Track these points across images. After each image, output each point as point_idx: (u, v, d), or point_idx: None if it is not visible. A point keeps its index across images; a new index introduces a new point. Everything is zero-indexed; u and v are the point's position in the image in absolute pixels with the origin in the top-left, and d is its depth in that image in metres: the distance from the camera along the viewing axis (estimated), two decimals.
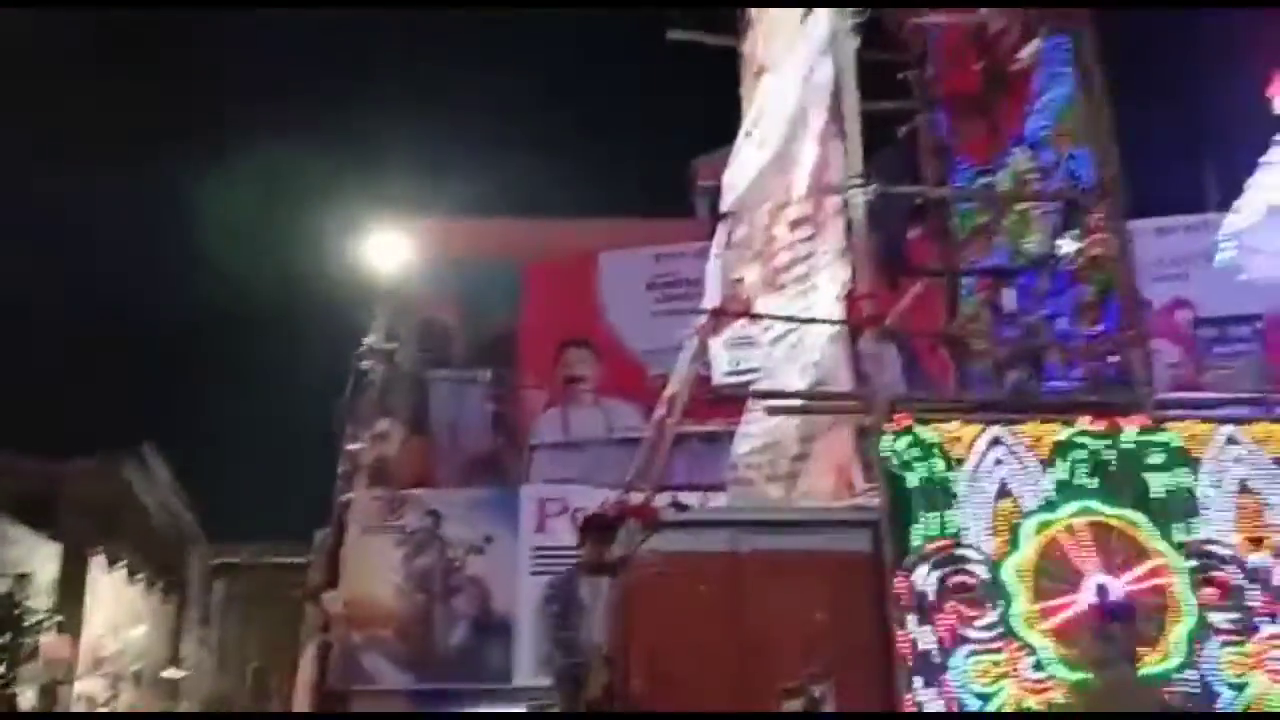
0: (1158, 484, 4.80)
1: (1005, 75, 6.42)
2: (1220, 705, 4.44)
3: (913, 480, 4.68)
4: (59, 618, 24.48)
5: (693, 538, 4.73)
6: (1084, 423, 4.89)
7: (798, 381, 5.86)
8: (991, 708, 4.33)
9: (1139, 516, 4.71)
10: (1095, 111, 5.69)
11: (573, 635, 5.26)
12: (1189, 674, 4.45)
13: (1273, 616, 4.61)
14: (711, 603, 4.55)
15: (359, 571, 10.96)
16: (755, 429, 6.32)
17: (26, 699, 22.42)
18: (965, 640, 4.43)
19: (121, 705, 28.89)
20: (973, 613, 4.46)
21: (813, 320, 5.81)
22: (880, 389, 5.09)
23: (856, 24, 5.93)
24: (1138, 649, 4.24)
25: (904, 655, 4.38)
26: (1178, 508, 4.77)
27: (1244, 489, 4.83)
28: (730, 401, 6.91)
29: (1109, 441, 4.85)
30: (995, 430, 4.81)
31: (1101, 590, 4.38)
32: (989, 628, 4.45)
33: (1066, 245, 5.70)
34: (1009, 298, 6.34)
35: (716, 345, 6.68)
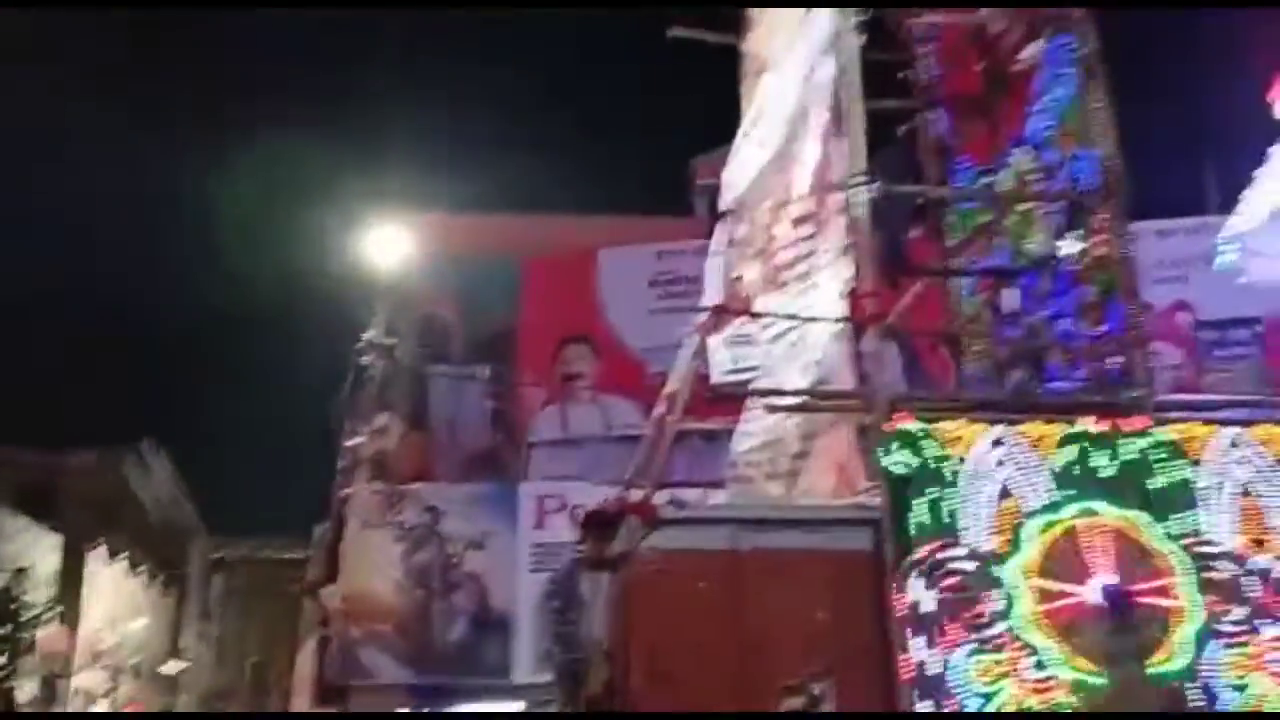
0: (1159, 485, 4.81)
1: (1006, 75, 6.42)
2: (1221, 707, 4.45)
3: (913, 479, 4.68)
4: (58, 610, 24.49)
5: (693, 535, 4.74)
6: (1086, 423, 4.90)
7: (798, 380, 5.87)
8: (992, 707, 4.34)
9: (1142, 517, 4.72)
10: (1097, 112, 5.70)
11: (573, 631, 5.28)
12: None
13: (1274, 618, 4.62)
14: (711, 600, 4.56)
15: (358, 566, 10.97)
16: (756, 427, 6.33)
17: (25, 692, 22.44)
18: (966, 640, 4.44)
19: (120, 699, 28.93)
20: (973, 612, 4.47)
21: (814, 319, 5.81)
22: (881, 388, 5.09)
23: (859, 23, 5.93)
24: (1146, 645, 4.24)
25: (905, 652, 4.39)
26: (1179, 509, 4.79)
27: (1246, 491, 4.85)
28: (730, 399, 6.92)
29: (1111, 442, 4.86)
30: (997, 430, 4.82)
31: (1105, 591, 4.38)
32: (989, 627, 4.46)
33: (1069, 246, 5.71)
34: (1011, 298, 6.35)
35: (716, 343, 6.69)
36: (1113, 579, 4.50)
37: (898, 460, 4.71)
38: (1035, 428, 4.86)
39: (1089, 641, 4.36)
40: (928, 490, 4.68)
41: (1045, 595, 4.52)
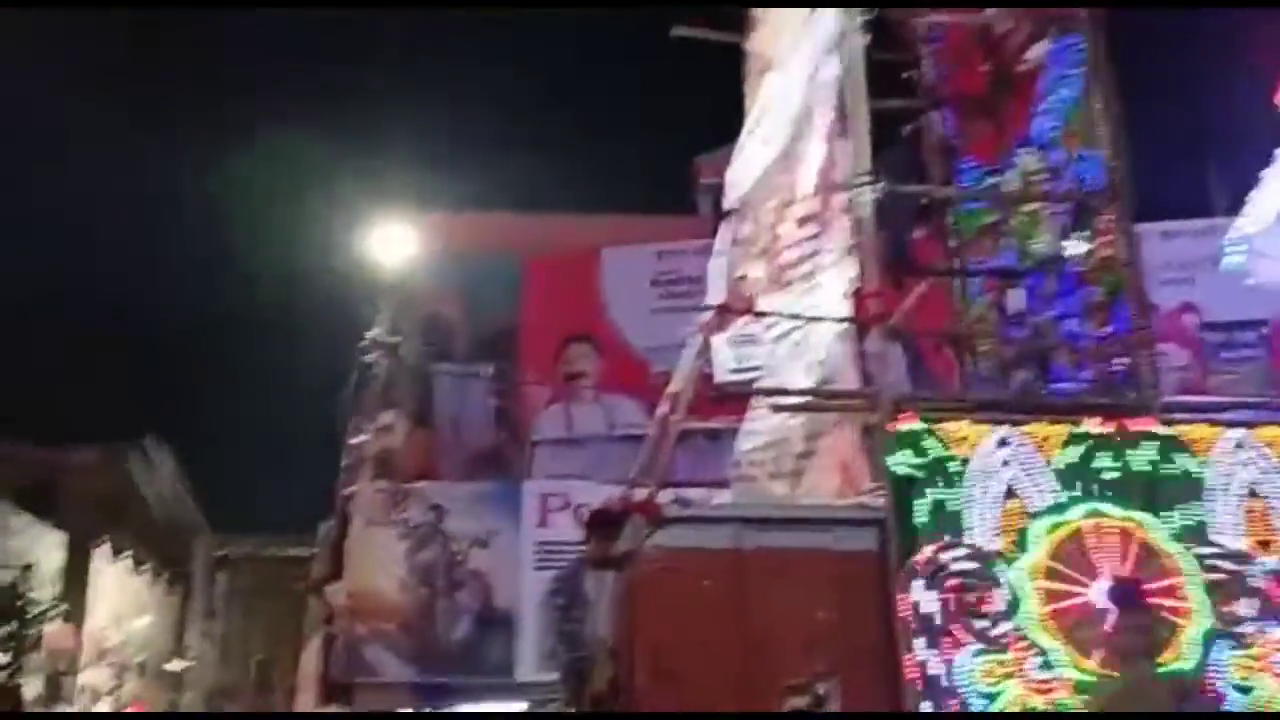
0: (1165, 486, 4.81)
1: (1012, 76, 6.42)
2: (1226, 708, 4.45)
3: (918, 479, 4.69)
4: (63, 608, 24.55)
5: (697, 534, 4.75)
6: (1092, 424, 4.90)
7: (802, 379, 5.87)
8: (996, 708, 4.34)
9: (1149, 518, 4.72)
10: (1102, 113, 5.69)
11: (577, 629, 5.29)
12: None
13: None
14: (716, 599, 4.56)
15: (363, 564, 11.01)
16: (760, 426, 6.33)
17: (31, 690, 22.49)
18: (971, 640, 4.44)
19: (125, 697, 29.00)
20: (978, 612, 4.48)
21: (818, 318, 5.82)
22: (886, 388, 5.10)
23: (864, 22, 5.93)
24: (1156, 641, 4.24)
25: (910, 652, 4.40)
26: (1185, 510, 4.79)
27: (1252, 492, 4.85)
28: (734, 399, 6.92)
29: (1117, 443, 4.86)
30: (1002, 430, 4.81)
31: (1114, 585, 4.37)
32: (994, 627, 4.47)
33: (1074, 247, 5.71)
34: (1016, 298, 6.35)
35: (720, 342, 6.70)
36: (1121, 576, 4.48)
37: (902, 460, 4.72)
38: (1041, 428, 4.86)
39: (1097, 641, 4.35)
40: (932, 490, 4.68)
41: (1052, 596, 4.52)
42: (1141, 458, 4.86)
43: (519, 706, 10.83)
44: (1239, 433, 4.95)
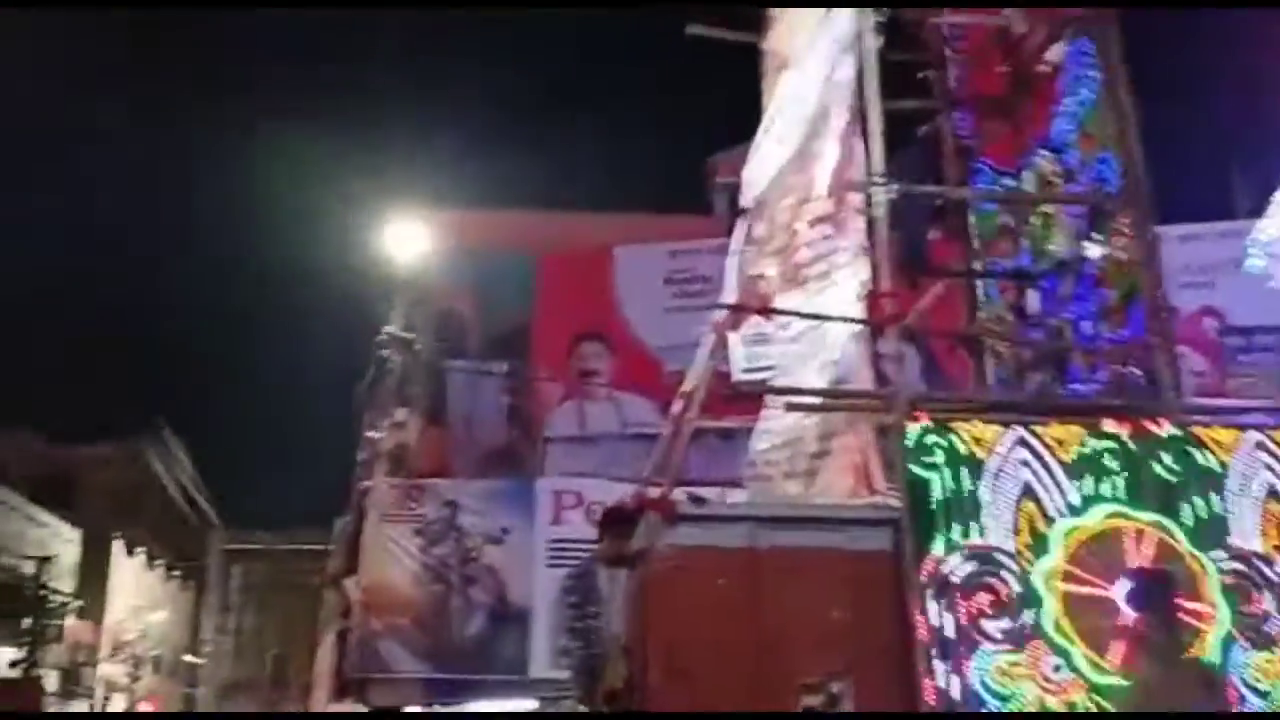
0: (1183, 489, 4.79)
1: (1030, 77, 6.40)
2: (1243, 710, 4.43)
3: (934, 480, 4.68)
4: (80, 603, 24.77)
5: (711, 532, 4.76)
6: (1109, 426, 4.89)
7: (816, 379, 5.88)
8: (1011, 708, 4.34)
9: (1168, 520, 4.71)
10: (1121, 115, 5.67)
11: (590, 626, 5.32)
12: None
13: None
14: (729, 598, 4.57)
15: (377, 559, 11.07)
16: (774, 426, 6.34)
17: (50, 682, 22.70)
18: (985, 640, 4.44)
19: (141, 690, 29.23)
20: (994, 613, 4.48)
21: (833, 318, 5.82)
22: (901, 388, 5.10)
23: (879, 22, 5.92)
24: (1182, 634, 4.23)
25: (924, 651, 4.40)
26: (1204, 513, 4.76)
27: (1272, 495, 4.83)
28: (747, 398, 6.93)
29: (1135, 445, 4.84)
30: (1018, 431, 4.81)
31: (1137, 581, 4.36)
32: (1011, 628, 4.46)
33: (1091, 249, 5.69)
34: (1032, 300, 6.34)
35: (734, 341, 6.71)
36: (1147, 567, 4.46)
37: (917, 460, 4.72)
38: (1057, 429, 4.85)
39: (1120, 638, 4.33)
40: (947, 491, 4.68)
41: (1073, 599, 4.51)
42: (1159, 460, 4.84)
43: (531, 703, 10.87)
44: (1259, 435, 4.93)
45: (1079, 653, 4.41)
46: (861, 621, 4.53)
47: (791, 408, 5.89)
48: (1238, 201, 12.40)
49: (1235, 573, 4.66)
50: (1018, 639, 4.45)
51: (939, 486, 4.67)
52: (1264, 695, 4.47)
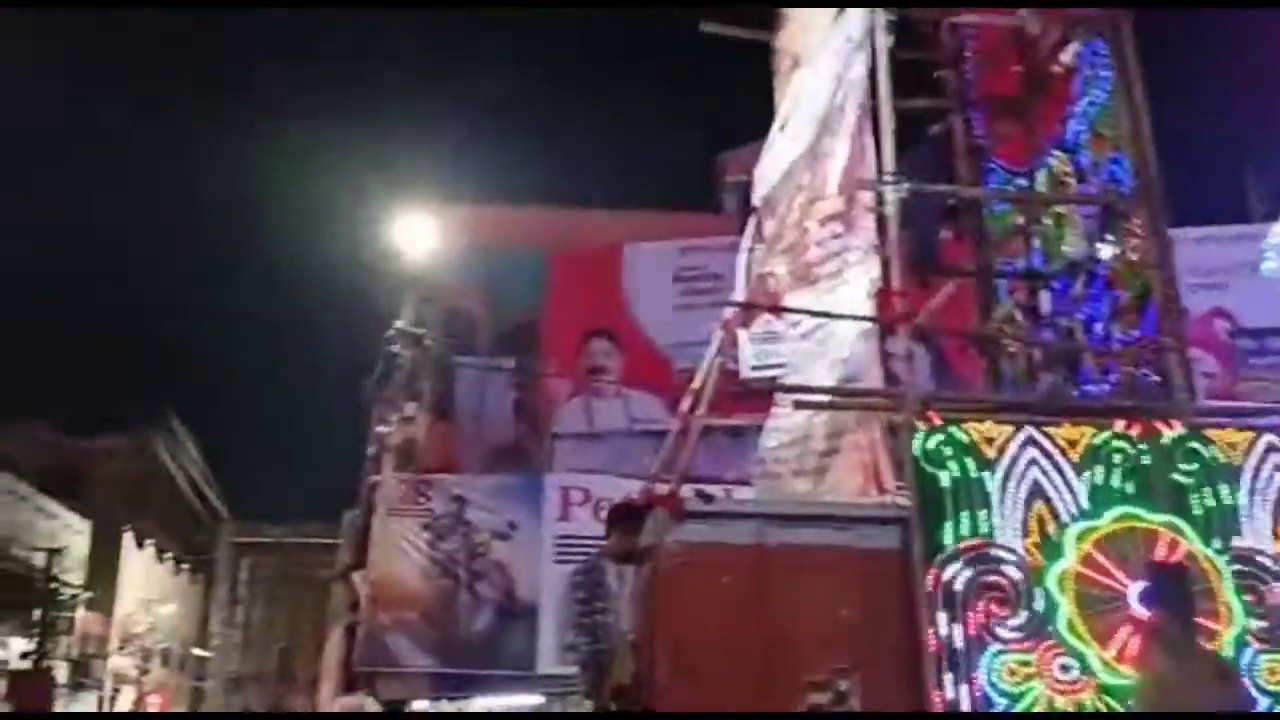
0: (1196, 490, 4.77)
1: (1044, 78, 6.38)
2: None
3: (943, 479, 4.67)
4: (90, 594, 24.89)
5: (719, 529, 4.76)
6: (1119, 427, 4.88)
7: (826, 377, 5.88)
8: (1020, 708, 4.34)
9: (1181, 522, 4.69)
10: (1134, 115, 5.65)
11: (597, 623, 5.33)
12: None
13: None
14: (737, 595, 4.58)
15: (385, 553, 11.12)
16: (783, 423, 6.34)
17: (60, 674, 22.82)
18: (995, 639, 4.44)
19: (150, 683, 29.37)
20: (1003, 612, 4.47)
21: (843, 316, 5.82)
22: (911, 387, 5.10)
23: (891, 21, 5.91)
24: (1197, 626, 4.22)
25: (933, 650, 4.40)
26: (1216, 514, 4.75)
27: None
28: (756, 395, 6.94)
29: (1145, 446, 4.83)
30: (1028, 431, 4.80)
31: (1148, 588, 4.35)
32: (1020, 628, 4.46)
33: (1103, 250, 5.67)
34: (1044, 300, 6.32)
35: (743, 339, 6.72)
36: (1157, 574, 4.45)
37: (927, 459, 4.71)
38: (1068, 430, 4.83)
39: (1135, 635, 4.32)
40: (957, 490, 4.67)
41: (1087, 601, 4.50)
42: (1171, 461, 4.83)
43: (538, 699, 10.91)
44: (1271, 437, 4.91)
45: (1093, 654, 4.40)
46: (869, 620, 4.53)
47: (801, 406, 5.89)
48: (1251, 204, 12.34)
49: (1247, 574, 4.65)
50: (1027, 639, 4.45)
51: (948, 486, 4.67)
52: (1275, 696, 4.46)
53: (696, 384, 6.27)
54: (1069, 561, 4.57)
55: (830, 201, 6.19)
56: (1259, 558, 4.70)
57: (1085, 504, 4.70)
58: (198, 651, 33.84)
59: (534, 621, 10.61)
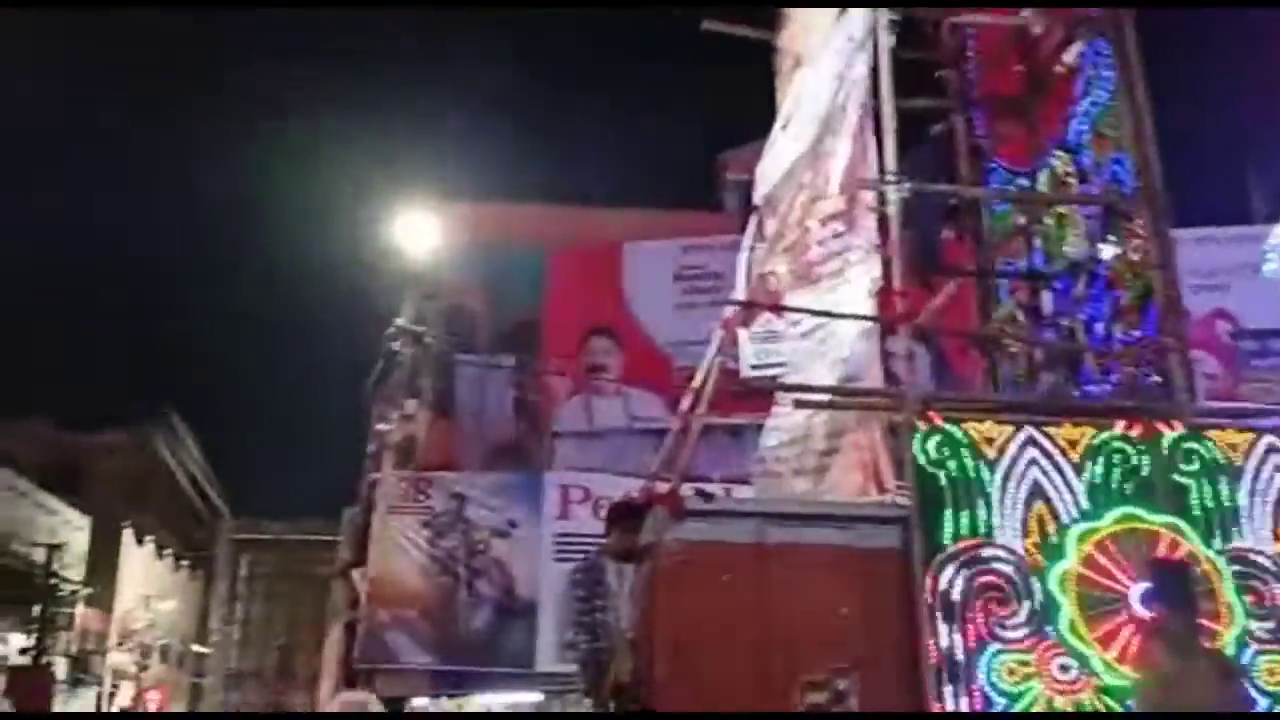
0: (1196, 491, 4.78)
1: (1046, 78, 6.37)
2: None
3: (943, 478, 4.67)
4: (90, 590, 24.87)
5: (719, 528, 4.76)
6: (1120, 428, 4.88)
7: (826, 376, 5.88)
8: (1019, 707, 4.34)
9: (1182, 523, 4.70)
10: (1137, 116, 5.64)
11: (597, 621, 5.33)
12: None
13: None
14: (736, 593, 4.58)
15: (385, 550, 11.13)
16: (783, 423, 6.34)
17: (60, 670, 22.81)
18: (994, 639, 4.44)
19: (149, 679, 29.36)
20: (1002, 612, 4.47)
21: (844, 316, 5.82)
22: (912, 387, 5.10)
23: (893, 21, 5.91)
24: (1199, 623, 4.22)
25: (931, 650, 4.40)
26: (1216, 515, 4.75)
27: None
28: (756, 394, 6.94)
29: (1146, 447, 4.83)
30: (1029, 432, 4.80)
31: (1151, 586, 4.34)
32: (1019, 628, 4.46)
33: (1105, 250, 5.67)
34: (1045, 301, 6.32)
35: (744, 338, 6.71)
36: (1159, 570, 4.44)
37: (927, 459, 4.71)
38: (1068, 430, 4.84)
39: (1138, 634, 4.31)
40: (957, 490, 4.67)
41: (1089, 603, 4.49)
42: (1172, 462, 4.83)
43: (536, 696, 10.91)
44: (1272, 439, 4.91)
45: (1095, 655, 4.41)
46: (869, 619, 4.53)
47: (801, 405, 5.89)
48: (1253, 205, 12.34)
49: (1248, 575, 4.65)
50: (1027, 639, 4.45)
51: (948, 486, 4.67)
52: (1274, 697, 4.46)
53: (697, 383, 6.26)
54: (1070, 563, 4.57)
55: (832, 201, 6.19)
56: (1259, 558, 4.70)
57: (1086, 505, 4.70)
58: (197, 648, 33.85)
59: (533, 619, 10.62)
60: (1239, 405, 6.68)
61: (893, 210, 5.52)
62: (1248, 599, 4.60)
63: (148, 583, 29.15)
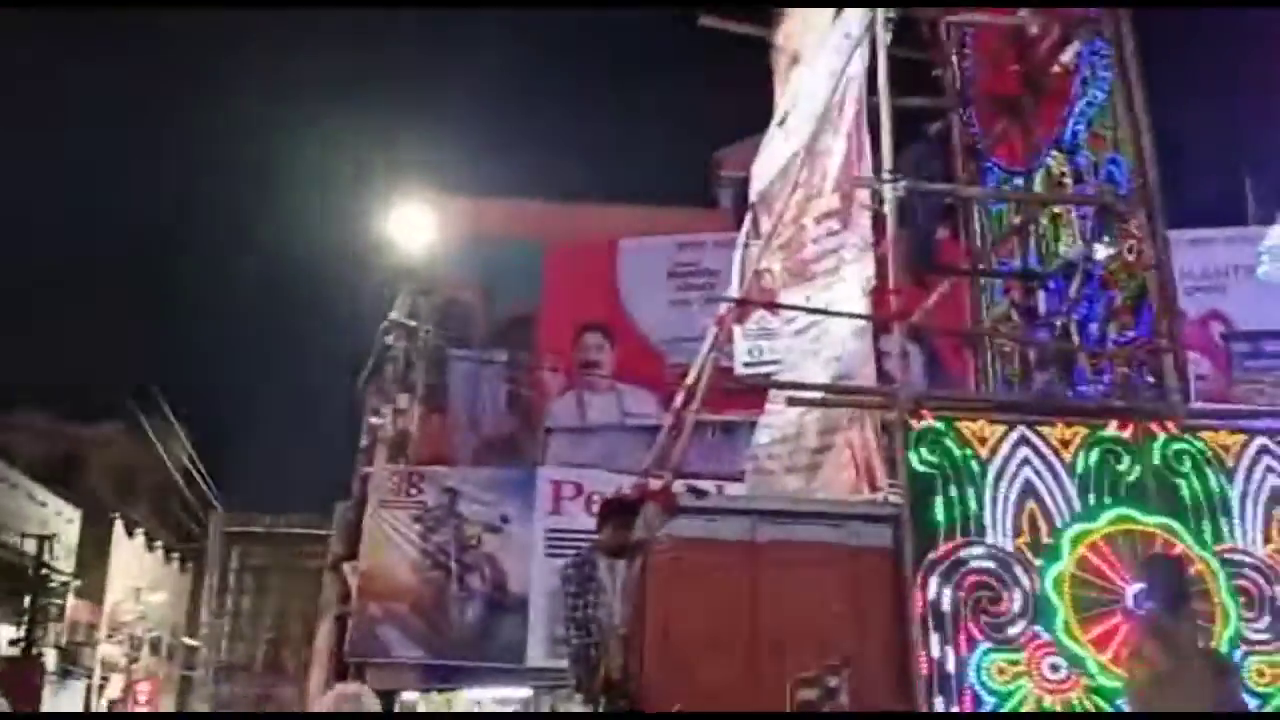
0: (1189, 492, 4.79)
1: (1043, 77, 6.37)
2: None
3: (935, 477, 4.68)
4: (80, 581, 24.79)
5: (711, 525, 4.76)
6: (1112, 428, 4.88)
7: (819, 374, 5.88)
8: (1009, 707, 4.35)
9: (1177, 524, 4.71)
10: (1133, 116, 5.64)
11: (588, 616, 5.32)
12: None
13: None
14: (728, 590, 4.58)
15: (376, 544, 11.11)
16: (775, 420, 6.34)
17: (49, 660, 22.74)
18: (985, 638, 4.45)
19: (139, 671, 29.27)
20: (993, 611, 4.48)
21: (838, 314, 5.81)
22: (905, 385, 5.10)
23: (889, 19, 5.90)
24: (1193, 618, 4.23)
25: (921, 647, 4.40)
26: (1209, 516, 4.77)
27: (1276, 500, 4.82)
28: (749, 391, 6.93)
29: (1139, 447, 4.84)
30: (1021, 431, 4.80)
31: (1145, 581, 4.35)
32: (1010, 627, 4.47)
33: (1100, 250, 5.67)
34: (1040, 300, 6.32)
35: (737, 335, 6.71)
36: (1151, 566, 4.45)
37: (919, 457, 4.71)
38: (1060, 430, 4.84)
39: (1134, 635, 4.32)
40: (949, 488, 4.68)
41: (1084, 604, 4.50)
42: (1163, 463, 4.84)
43: (527, 691, 10.91)
44: (1264, 440, 4.92)
45: (1089, 656, 4.42)
46: (860, 617, 4.54)
47: (794, 402, 5.89)
48: (1248, 206, 12.37)
49: (1240, 575, 4.66)
50: (1017, 638, 4.45)
51: (940, 484, 4.67)
52: (1262, 698, 4.48)
53: (690, 379, 6.26)
54: (1064, 564, 4.57)
55: (827, 199, 6.18)
56: (1251, 559, 4.72)
57: (1078, 505, 4.71)
58: (187, 640, 33.77)
59: (524, 614, 10.61)
60: (1232, 407, 6.69)
61: (888, 209, 5.51)
62: (1240, 599, 4.61)
63: (138, 574, 29.06)
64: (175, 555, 33.14)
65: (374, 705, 3.94)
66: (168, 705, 31.30)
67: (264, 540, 37.09)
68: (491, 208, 15.14)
